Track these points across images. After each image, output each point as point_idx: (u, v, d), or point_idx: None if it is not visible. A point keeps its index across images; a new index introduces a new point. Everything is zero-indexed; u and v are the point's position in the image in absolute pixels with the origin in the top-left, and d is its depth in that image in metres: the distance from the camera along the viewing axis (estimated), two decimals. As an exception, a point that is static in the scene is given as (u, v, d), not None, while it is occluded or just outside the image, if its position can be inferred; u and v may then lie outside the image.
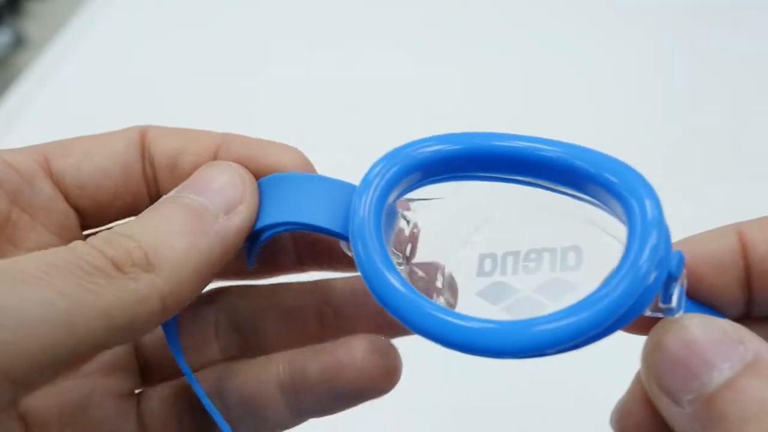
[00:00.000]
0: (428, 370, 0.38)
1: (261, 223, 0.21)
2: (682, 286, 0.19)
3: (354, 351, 0.22)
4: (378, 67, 0.59)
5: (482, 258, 0.20)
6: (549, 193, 0.20)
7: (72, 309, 0.17)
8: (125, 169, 0.23)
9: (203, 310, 0.25)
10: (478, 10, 0.63)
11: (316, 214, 0.21)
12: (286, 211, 0.21)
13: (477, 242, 0.21)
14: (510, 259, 0.20)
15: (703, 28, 0.60)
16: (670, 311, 0.18)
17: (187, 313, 0.24)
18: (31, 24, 1.42)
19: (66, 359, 0.17)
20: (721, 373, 0.16)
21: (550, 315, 0.17)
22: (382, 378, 0.22)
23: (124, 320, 0.18)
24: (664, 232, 0.17)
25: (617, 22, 0.62)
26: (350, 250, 0.20)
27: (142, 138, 0.23)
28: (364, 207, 0.19)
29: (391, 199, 0.20)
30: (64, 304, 0.17)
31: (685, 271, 0.19)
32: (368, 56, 0.59)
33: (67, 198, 0.23)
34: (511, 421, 0.38)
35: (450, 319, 0.18)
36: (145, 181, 0.23)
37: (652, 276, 0.17)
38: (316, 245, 0.24)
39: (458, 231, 0.21)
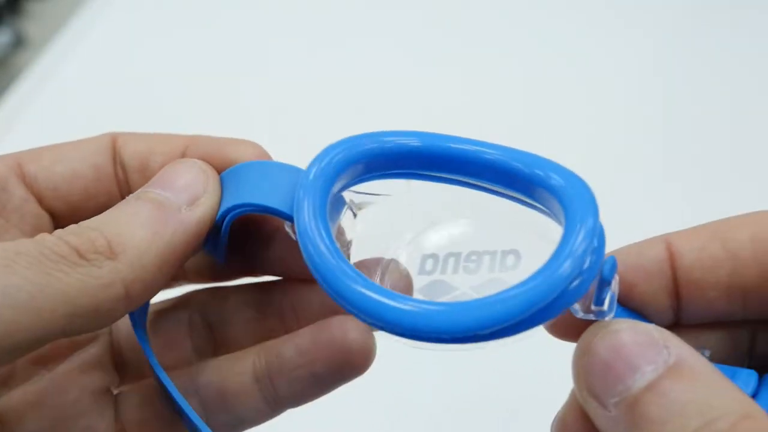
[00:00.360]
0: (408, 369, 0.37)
1: (219, 211, 0.22)
2: (613, 291, 0.19)
3: (330, 330, 0.23)
4: (378, 67, 0.58)
5: (424, 258, 0.21)
6: (494, 196, 0.20)
7: (36, 294, 0.18)
8: (96, 171, 0.24)
9: (176, 311, 0.25)
10: (478, 10, 0.63)
11: (267, 195, 0.21)
12: (240, 195, 0.22)
13: (421, 243, 0.21)
14: (451, 260, 0.21)
15: (703, 28, 0.60)
16: (601, 314, 0.19)
17: (161, 314, 0.25)
18: (31, 24, 1.42)
19: (30, 344, 0.18)
20: (644, 375, 0.17)
21: (466, 302, 0.17)
22: (359, 356, 0.23)
23: (88, 306, 0.19)
24: (597, 236, 0.18)
25: (617, 22, 0.62)
26: (294, 232, 0.20)
27: (114, 143, 0.24)
28: (309, 198, 0.20)
29: (335, 189, 0.21)
30: (29, 289, 0.18)
31: (617, 277, 0.19)
32: (368, 56, 0.59)
33: (41, 201, 0.24)
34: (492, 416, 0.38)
35: (374, 294, 0.18)
36: (117, 183, 0.24)
37: (576, 281, 0.18)
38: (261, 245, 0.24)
39: (404, 230, 0.22)
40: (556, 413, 0.20)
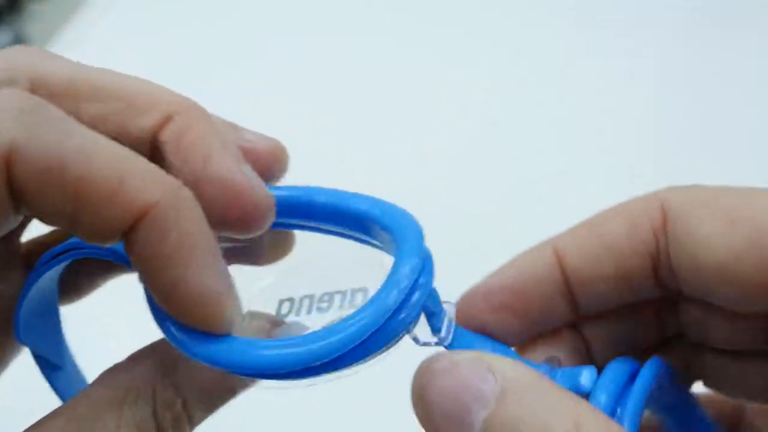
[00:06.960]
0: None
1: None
2: (450, 317, 0.20)
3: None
4: (376, 67, 0.59)
5: (281, 302, 0.22)
6: (344, 239, 0.22)
7: None
8: None
9: None
10: (479, 10, 0.63)
11: None
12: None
13: (276, 288, 0.22)
14: (306, 301, 0.21)
15: (703, 39, 0.60)
16: (442, 340, 0.20)
17: None
18: (31, 24, 1.42)
19: None
20: (479, 416, 0.17)
21: (283, 340, 0.18)
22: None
23: None
24: (424, 273, 0.19)
25: (617, 27, 0.62)
26: None
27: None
28: None
29: None
30: None
31: (451, 307, 0.21)
32: (366, 56, 0.60)
33: None
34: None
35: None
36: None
37: (403, 313, 0.19)
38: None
39: (254, 279, 0.22)
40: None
